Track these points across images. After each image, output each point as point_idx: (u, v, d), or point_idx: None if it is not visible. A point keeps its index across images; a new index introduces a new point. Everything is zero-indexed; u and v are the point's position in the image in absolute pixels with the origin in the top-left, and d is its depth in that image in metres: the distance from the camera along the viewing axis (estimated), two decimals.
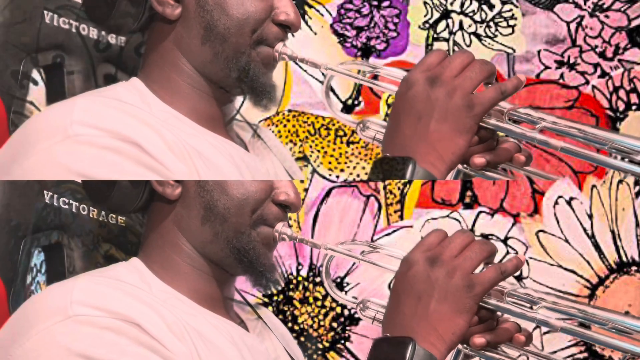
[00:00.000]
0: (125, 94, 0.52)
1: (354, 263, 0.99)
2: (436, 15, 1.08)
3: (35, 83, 0.73)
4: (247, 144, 0.60)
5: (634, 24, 1.10)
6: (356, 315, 0.95)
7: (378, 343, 0.44)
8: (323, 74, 0.55)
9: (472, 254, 0.44)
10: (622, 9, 1.10)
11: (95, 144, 0.43)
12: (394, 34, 1.07)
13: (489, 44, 1.08)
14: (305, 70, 0.98)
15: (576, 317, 0.47)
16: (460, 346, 0.46)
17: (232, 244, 0.51)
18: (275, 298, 0.95)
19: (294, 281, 0.95)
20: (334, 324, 0.95)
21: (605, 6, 1.10)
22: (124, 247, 0.76)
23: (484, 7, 1.09)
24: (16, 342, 0.39)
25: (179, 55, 0.52)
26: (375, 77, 0.56)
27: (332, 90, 0.59)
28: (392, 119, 0.46)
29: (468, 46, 1.07)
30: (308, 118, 0.98)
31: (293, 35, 0.55)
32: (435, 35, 1.08)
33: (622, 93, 1.07)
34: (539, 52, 1.08)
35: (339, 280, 0.96)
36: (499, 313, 0.48)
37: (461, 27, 1.08)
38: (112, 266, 0.54)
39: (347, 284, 0.97)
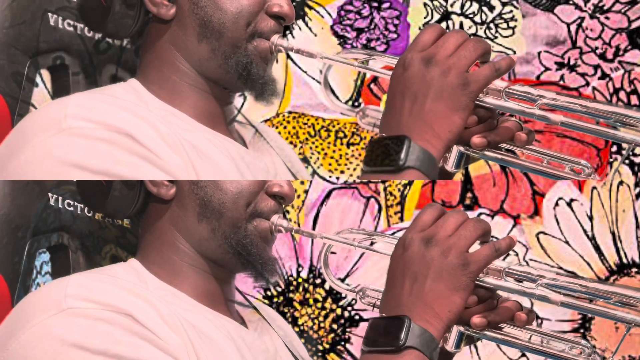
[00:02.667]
0: (122, 92, 0.52)
1: (355, 265, 0.99)
2: (436, 16, 1.08)
3: (37, 85, 0.73)
4: (247, 142, 0.60)
5: (634, 25, 1.10)
6: (356, 317, 0.95)
7: (374, 323, 0.44)
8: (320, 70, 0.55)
9: (467, 232, 0.44)
10: (623, 11, 1.10)
11: (89, 135, 0.44)
12: (394, 36, 1.07)
13: None
14: (305, 72, 0.98)
15: (578, 292, 0.46)
16: (462, 328, 0.46)
17: (230, 239, 0.51)
18: (275, 300, 0.95)
19: (294, 283, 0.96)
20: (334, 326, 0.95)
21: (605, 8, 1.10)
22: (126, 248, 0.76)
23: (484, 8, 1.09)
24: (13, 336, 0.40)
25: (176, 54, 0.52)
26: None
27: (332, 89, 0.58)
28: (388, 102, 0.46)
29: None
30: (308, 120, 0.98)
31: (292, 32, 0.55)
32: None
33: (622, 95, 1.07)
34: (539, 53, 1.08)
35: None
36: (500, 293, 0.48)
37: (461, 29, 1.08)
38: (109, 266, 0.53)
39: (348, 285, 0.97)
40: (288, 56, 0.57)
